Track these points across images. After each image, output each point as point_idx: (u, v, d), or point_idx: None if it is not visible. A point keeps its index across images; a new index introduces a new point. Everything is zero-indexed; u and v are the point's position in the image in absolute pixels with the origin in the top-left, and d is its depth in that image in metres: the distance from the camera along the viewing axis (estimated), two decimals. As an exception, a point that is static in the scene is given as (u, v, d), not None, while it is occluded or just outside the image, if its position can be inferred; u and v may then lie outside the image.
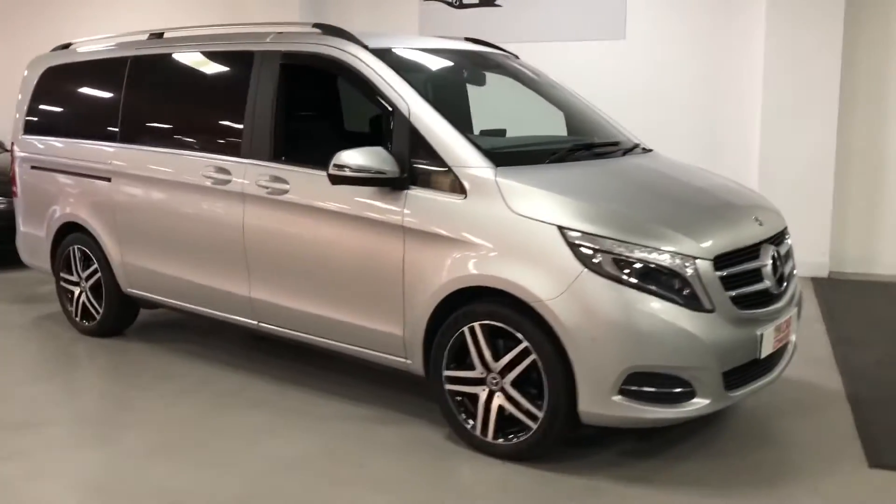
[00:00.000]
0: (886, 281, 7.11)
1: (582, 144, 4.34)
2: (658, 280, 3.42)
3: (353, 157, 3.87)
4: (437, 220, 3.80)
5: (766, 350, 3.70)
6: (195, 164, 4.78)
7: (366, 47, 4.24)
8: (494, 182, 3.70)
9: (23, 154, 6.01)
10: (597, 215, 3.54)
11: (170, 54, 5.14)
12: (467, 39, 5.24)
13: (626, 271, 3.41)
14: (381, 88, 4.06)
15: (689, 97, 7.64)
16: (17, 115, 6.09)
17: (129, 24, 8.58)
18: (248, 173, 4.50)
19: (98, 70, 5.59)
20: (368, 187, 3.99)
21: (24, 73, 6.08)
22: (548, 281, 3.47)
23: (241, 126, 4.60)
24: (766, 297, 3.74)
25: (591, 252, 3.44)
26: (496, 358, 3.68)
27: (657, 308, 3.37)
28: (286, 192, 4.33)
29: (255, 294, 4.58)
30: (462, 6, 8.39)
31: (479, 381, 3.76)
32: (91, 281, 5.60)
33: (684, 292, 3.42)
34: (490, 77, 5.08)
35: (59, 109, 5.91)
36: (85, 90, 5.71)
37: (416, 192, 3.88)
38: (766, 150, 7.25)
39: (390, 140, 4.01)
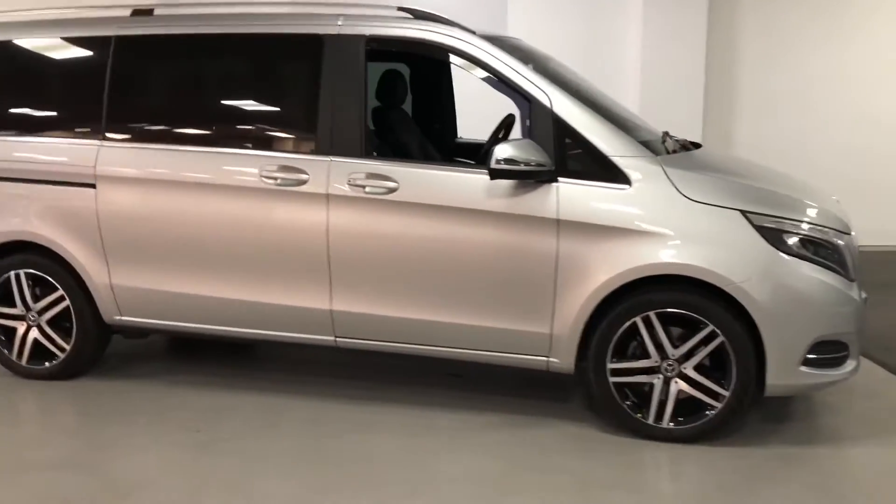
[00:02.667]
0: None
1: (665, 135, 4.49)
2: (826, 255, 3.73)
3: (514, 151, 3.68)
4: (600, 211, 3.74)
5: (864, 312, 4.21)
6: (244, 163, 4.12)
7: (474, 34, 4.01)
8: (663, 170, 3.75)
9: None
10: (770, 198, 3.78)
11: (185, 35, 4.31)
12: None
13: (807, 248, 3.67)
14: (513, 79, 3.88)
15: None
16: None
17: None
18: (334, 172, 4.00)
19: (55, 52, 4.50)
20: (506, 181, 3.80)
21: None
22: (738, 264, 3.61)
23: (313, 119, 4.06)
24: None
25: (776, 233, 3.65)
26: (674, 344, 3.74)
27: (833, 280, 3.68)
28: (394, 190, 3.93)
29: (338, 306, 4.09)
30: (336, -3, 8.00)
31: (653, 370, 3.78)
32: (51, 312, 4.53)
33: (841, 264, 3.77)
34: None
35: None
36: (32, 76, 4.58)
37: (568, 184, 3.77)
38: (643, 141, 7.94)
39: (528, 131, 3.86)
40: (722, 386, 3.72)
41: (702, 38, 7.81)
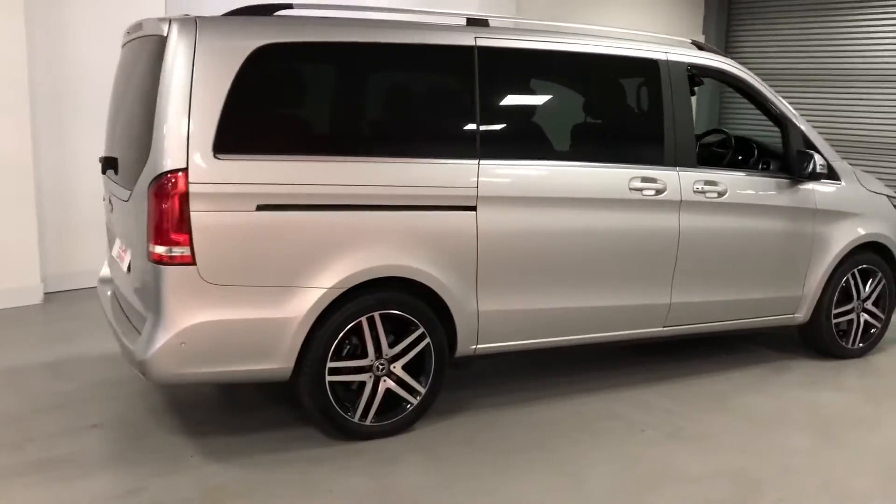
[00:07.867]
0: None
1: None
2: None
3: (821, 160, 4.91)
4: (834, 201, 5.23)
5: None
6: (614, 176, 4.40)
7: (743, 67, 5.03)
8: (853, 171, 5.39)
9: (223, 188, 3.49)
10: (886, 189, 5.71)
11: (550, 51, 4.25)
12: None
13: None
14: (777, 105, 5.06)
15: None
16: (182, 124, 3.43)
17: None
18: (683, 180, 4.60)
19: (396, 60, 3.89)
20: (780, 181, 5.01)
21: (184, 51, 3.44)
22: (892, 232, 5.50)
23: (660, 134, 4.58)
24: None
25: (899, 210, 5.64)
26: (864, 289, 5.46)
27: None
28: (724, 194, 4.74)
29: (676, 299, 4.71)
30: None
31: (852, 310, 5.43)
32: (408, 356, 3.97)
33: None
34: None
35: (313, 113, 3.75)
36: (376, 87, 3.87)
37: (816, 183, 5.14)
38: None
39: (786, 142, 5.07)
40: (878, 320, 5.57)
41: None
